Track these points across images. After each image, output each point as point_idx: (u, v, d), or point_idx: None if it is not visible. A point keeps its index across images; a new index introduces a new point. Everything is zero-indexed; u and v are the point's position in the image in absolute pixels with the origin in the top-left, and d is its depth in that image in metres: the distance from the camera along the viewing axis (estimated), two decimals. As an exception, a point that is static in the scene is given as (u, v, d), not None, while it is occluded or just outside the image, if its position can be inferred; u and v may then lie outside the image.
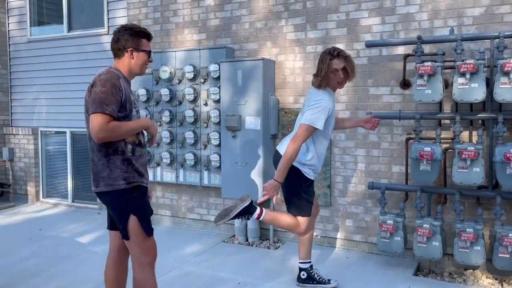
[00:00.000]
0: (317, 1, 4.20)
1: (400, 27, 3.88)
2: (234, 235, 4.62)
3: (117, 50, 2.47)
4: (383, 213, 3.69)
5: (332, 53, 2.90)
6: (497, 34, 3.31)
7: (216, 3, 4.70)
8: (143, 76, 4.93)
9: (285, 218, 3.10)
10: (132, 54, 2.44)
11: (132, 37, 2.44)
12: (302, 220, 3.09)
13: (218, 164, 4.55)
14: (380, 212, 3.74)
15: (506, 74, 3.14)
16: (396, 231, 3.58)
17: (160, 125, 4.89)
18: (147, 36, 2.49)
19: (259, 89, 4.20)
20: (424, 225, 3.42)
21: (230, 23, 4.64)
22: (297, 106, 4.35)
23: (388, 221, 3.58)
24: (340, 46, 4.09)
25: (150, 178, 5.01)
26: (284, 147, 2.98)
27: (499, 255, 3.22)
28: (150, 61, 2.52)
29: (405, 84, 3.86)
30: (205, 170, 4.68)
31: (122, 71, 2.46)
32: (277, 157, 3.07)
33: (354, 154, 4.12)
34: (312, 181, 3.12)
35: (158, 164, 4.95)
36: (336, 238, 4.25)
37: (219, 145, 4.53)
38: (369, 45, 3.87)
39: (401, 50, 3.86)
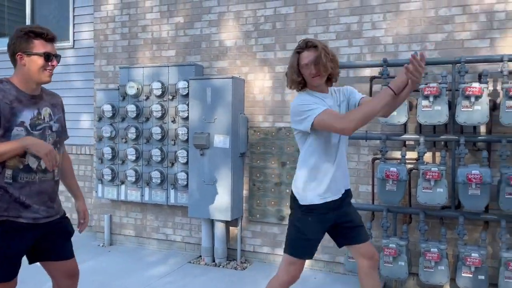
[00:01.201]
0: (286, 22, 4.25)
1: (366, 50, 3.98)
2: (200, 256, 4.50)
3: (10, 58, 2.09)
4: (350, 233, 3.70)
5: (301, 46, 2.40)
6: (458, 59, 3.45)
7: (186, 21, 4.68)
8: (109, 91, 4.87)
9: None
10: (23, 60, 2.05)
11: (19, 39, 2.04)
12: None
13: (185, 183, 4.46)
14: (347, 231, 3.74)
15: (467, 97, 3.26)
16: (363, 251, 3.58)
17: (126, 142, 4.76)
18: (41, 35, 2.06)
19: (228, 107, 4.17)
20: (390, 245, 3.45)
21: (199, 40, 4.63)
22: (266, 124, 4.35)
23: (356, 241, 3.58)
24: (309, 66, 4.16)
25: (114, 196, 4.84)
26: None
27: (463, 274, 3.28)
28: (54, 65, 2.12)
29: (372, 105, 3.94)
30: (172, 189, 4.57)
31: (16, 81, 2.08)
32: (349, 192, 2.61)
33: (322, 173, 4.13)
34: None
35: (123, 182, 4.80)
36: (304, 258, 4.21)
37: (186, 163, 4.45)
38: (337, 66, 3.94)
39: (367, 72, 3.94)
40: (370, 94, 3.90)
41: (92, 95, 5.32)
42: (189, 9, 4.66)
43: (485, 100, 3.25)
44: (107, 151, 4.79)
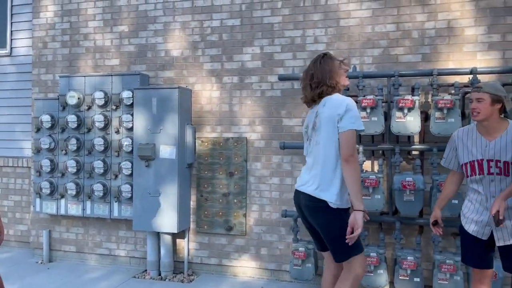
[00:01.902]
0: (232, 34, 4.32)
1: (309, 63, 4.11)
2: (146, 270, 4.39)
3: None
4: (295, 240, 3.78)
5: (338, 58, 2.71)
6: (393, 73, 3.66)
7: (130, 30, 4.61)
8: (48, 101, 4.68)
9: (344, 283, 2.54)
10: None
11: None
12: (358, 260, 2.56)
13: (129, 195, 4.34)
14: (292, 239, 3.83)
15: (401, 109, 3.47)
16: (307, 258, 3.67)
17: (66, 154, 4.57)
18: None
19: (174, 118, 4.14)
20: (334, 251, 3.56)
21: (145, 50, 4.57)
22: (214, 135, 4.36)
23: (300, 248, 3.67)
24: (255, 78, 4.25)
25: (53, 210, 4.62)
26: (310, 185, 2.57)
27: (400, 277, 3.45)
28: None
29: (315, 116, 4.08)
30: (115, 202, 4.43)
31: None
32: (311, 200, 2.55)
33: (269, 182, 4.21)
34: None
35: (62, 196, 4.59)
36: (251, 268, 4.24)
37: (131, 175, 4.34)
38: (282, 78, 4.05)
39: (310, 84, 4.07)
40: (313, 105, 4.03)
41: (30, 105, 5.07)
42: (134, 18, 4.60)
43: (417, 111, 3.47)
44: (45, 163, 4.57)
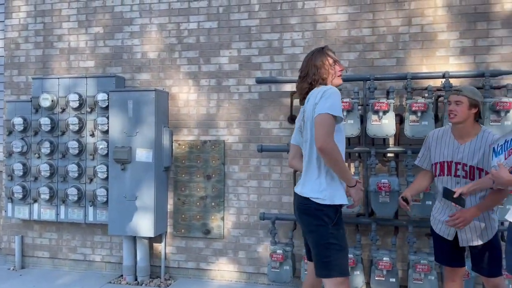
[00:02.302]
0: (210, 36, 4.30)
1: (287, 66, 4.14)
2: (121, 275, 4.32)
3: None
4: (273, 243, 3.79)
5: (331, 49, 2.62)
6: (368, 76, 3.72)
7: (106, 31, 4.54)
8: (21, 103, 4.56)
9: None
10: None
11: None
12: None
13: (105, 199, 4.26)
14: (270, 242, 3.83)
15: (376, 112, 3.52)
16: (285, 260, 3.68)
17: (39, 157, 4.46)
18: None
19: (151, 120, 4.09)
20: (311, 253, 3.58)
21: (121, 52, 4.51)
22: (191, 138, 4.33)
23: (278, 251, 3.68)
24: (233, 81, 4.24)
25: (25, 215, 4.50)
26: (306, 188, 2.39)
27: (376, 278, 3.49)
28: None
29: (292, 119, 4.09)
30: (90, 206, 4.35)
31: None
32: (301, 201, 2.42)
33: (247, 185, 4.20)
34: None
35: (35, 200, 4.47)
36: (229, 271, 4.22)
37: (106, 178, 4.27)
38: (259, 81, 4.05)
39: (288, 87, 4.10)
40: (291, 108, 4.05)
41: (2, 107, 4.93)
42: (109, 19, 4.54)
43: (392, 114, 3.52)
44: (17, 167, 4.45)
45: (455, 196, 2.42)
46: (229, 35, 4.25)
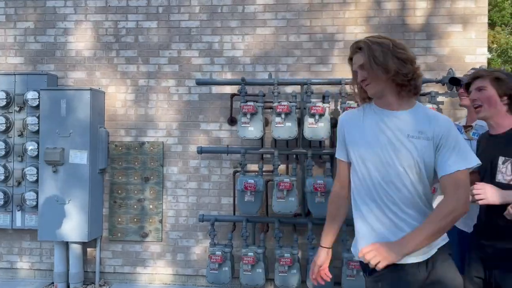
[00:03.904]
0: (149, 36, 4.23)
1: (227, 68, 4.17)
2: (52, 283, 4.11)
3: None
4: (212, 244, 3.79)
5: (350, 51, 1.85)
6: (305, 80, 3.84)
7: (37, 27, 4.31)
8: None
9: None
10: None
11: None
12: None
13: (34, 203, 4.04)
14: (209, 244, 3.83)
15: (313, 115, 3.64)
16: (224, 262, 3.69)
17: (-40, 159, 4.13)
18: None
19: (86, 121, 3.94)
20: (249, 254, 3.62)
21: (53, 49, 4.30)
22: (129, 139, 4.22)
23: (217, 252, 3.68)
24: (172, 82, 4.20)
25: None
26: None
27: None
28: None
29: (232, 121, 4.13)
30: (18, 210, 4.09)
31: None
32: None
33: (186, 187, 4.17)
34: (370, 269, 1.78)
35: (-45, 206, 4.14)
36: (167, 274, 4.16)
37: (36, 181, 4.04)
38: (199, 83, 4.04)
39: (228, 89, 4.13)
40: (231, 110, 4.09)
41: None
42: (41, 14, 4.31)
43: (327, 118, 3.67)
44: None
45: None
46: (168, 35, 4.20)
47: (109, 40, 4.26)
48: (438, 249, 1.73)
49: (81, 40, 4.28)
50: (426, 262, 1.72)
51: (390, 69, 1.68)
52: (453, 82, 3.10)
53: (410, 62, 1.72)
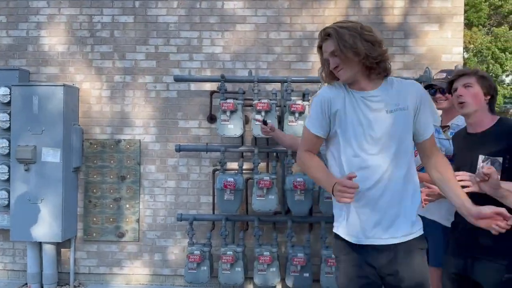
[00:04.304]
0: (125, 31, 4.12)
1: (206, 65, 4.11)
2: (26, 284, 3.98)
3: None
4: (190, 244, 3.73)
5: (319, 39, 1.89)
6: (285, 78, 3.82)
7: (9, 20, 4.15)
8: None
9: None
10: None
11: None
12: None
13: (6, 203, 3.90)
14: (188, 243, 3.77)
15: (293, 113, 3.63)
16: (203, 261, 3.64)
17: None
18: None
19: (59, 118, 3.82)
20: (228, 252, 3.59)
21: (25, 43, 4.15)
22: (104, 136, 4.11)
23: (195, 252, 3.63)
24: (150, 78, 4.11)
25: None
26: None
27: (291, 273, 3.60)
28: None
29: (212, 119, 4.08)
30: (-12, 211, 3.94)
31: None
32: None
33: (164, 186, 4.09)
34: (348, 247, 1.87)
35: None
36: (144, 275, 4.08)
37: (8, 180, 3.90)
38: (178, 79, 3.97)
39: (207, 86, 4.07)
40: (210, 107, 4.03)
41: None
42: (13, 8, 4.15)
43: (306, 116, 3.66)
44: None
45: None
46: (146, 30, 4.11)
47: (84, 34, 4.14)
48: (408, 241, 1.79)
49: (54, 35, 4.14)
50: (390, 247, 1.77)
51: (360, 51, 1.72)
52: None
53: (378, 44, 1.77)
